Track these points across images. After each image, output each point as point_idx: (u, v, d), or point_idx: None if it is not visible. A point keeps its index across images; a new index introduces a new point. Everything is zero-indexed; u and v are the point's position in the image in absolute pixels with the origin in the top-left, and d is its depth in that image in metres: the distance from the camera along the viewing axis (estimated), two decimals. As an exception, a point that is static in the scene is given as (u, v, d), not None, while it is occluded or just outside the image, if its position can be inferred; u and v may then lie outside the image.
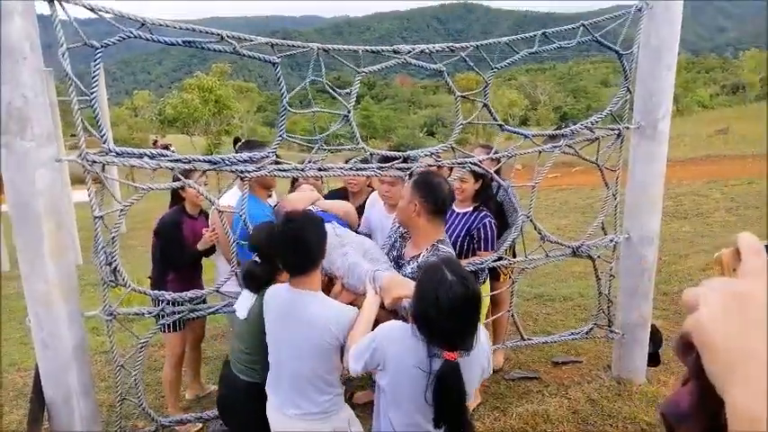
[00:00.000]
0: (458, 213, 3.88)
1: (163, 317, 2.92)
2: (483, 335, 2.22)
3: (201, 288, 3.28)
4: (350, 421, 2.55)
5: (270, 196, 3.62)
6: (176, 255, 3.59)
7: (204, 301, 3.27)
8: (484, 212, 3.74)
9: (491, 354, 2.31)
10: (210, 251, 3.71)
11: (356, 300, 2.70)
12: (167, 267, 3.65)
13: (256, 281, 2.69)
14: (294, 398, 2.43)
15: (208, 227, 3.94)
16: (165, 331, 3.58)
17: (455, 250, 3.06)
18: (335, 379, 2.47)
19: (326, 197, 3.91)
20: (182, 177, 2.81)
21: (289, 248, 2.40)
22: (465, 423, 2.09)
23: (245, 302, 2.73)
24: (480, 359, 2.18)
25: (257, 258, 2.71)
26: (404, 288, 2.44)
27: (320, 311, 2.41)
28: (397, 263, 3.00)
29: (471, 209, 3.83)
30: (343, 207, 3.52)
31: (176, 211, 3.80)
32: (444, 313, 1.96)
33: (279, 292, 2.54)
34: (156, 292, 2.81)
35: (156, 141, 32.55)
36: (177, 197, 3.81)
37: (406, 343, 2.08)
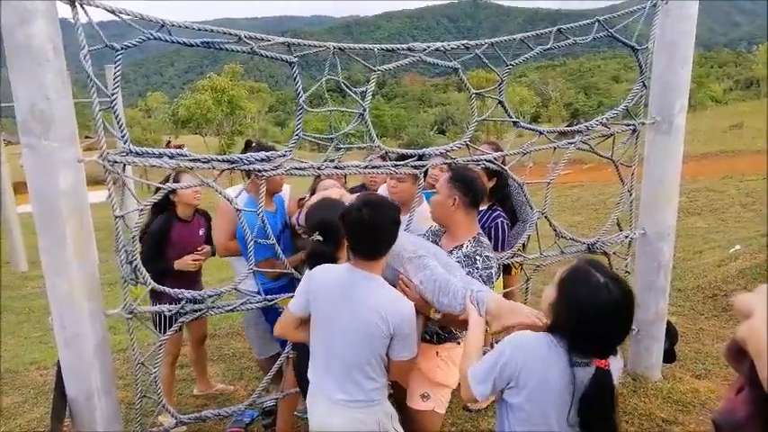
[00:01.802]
0: None
1: (183, 315, 2.94)
2: None
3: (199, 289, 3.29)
4: (392, 416, 2.50)
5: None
6: (151, 264, 3.25)
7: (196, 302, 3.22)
8: (498, 212, 3.73)
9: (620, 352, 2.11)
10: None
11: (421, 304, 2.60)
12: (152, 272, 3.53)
13: (324, 260, 2.61)
14: (344, 383, 2.37)
15: (204, 228, 3.97)
16: (161, 332, 3.53)
17: None
18: (383, 369, 2.41)
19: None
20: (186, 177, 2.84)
21: (365, 232, 2.34)
22: None
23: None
24: (617, 362, 2.04)
25: (320, 237, 2.64)
26: (518, 315, 2.28)
27: (380, 297, 2.35)
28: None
29: (485, 207, 3.79)
30: None
31: (165, 218, 3.77)
32: (604, 318, 1.86)
33: (337, 272, 2.46)
34: (176, 290, 2.84)
35: (169, 142, 32.78)
36: (159, 206, 3.57)
37: (542, 353, 1.94)
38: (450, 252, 2.86)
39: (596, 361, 1.88)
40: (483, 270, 2.80)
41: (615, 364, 1.97)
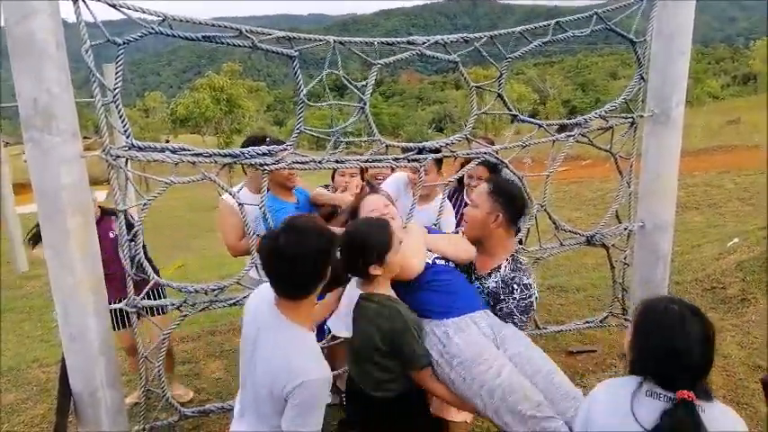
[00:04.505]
0: None
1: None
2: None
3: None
4: None
5: (293, 188, 3.65)
6: None
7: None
8: None
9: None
10: None
11: None
12: None
13: (333, 282, 2.48)
14: (258, 425, 2.15)
15: (112, 229, 3.62)
16: (116, 328, 3.44)
17: None
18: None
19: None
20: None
21: (280, 264, 2.00)
22: None
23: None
24: (720, 410, 1.76)
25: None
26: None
27: (285, 352, 2.01)
28: (469, 277, 2.89)
29: None
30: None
31: None
32: (668, 331, 1.75)
33: (263, 304, 2.18)
34: (179, 284, 2.86)
35: (167, 141, 32.75)
36: None
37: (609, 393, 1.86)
38: (489, 275, 2.79)
39: (679, 393, 1.71)
40: (521, 300, 2.70)
41: (715, 411, 1.73)
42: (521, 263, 2.79)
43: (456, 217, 3.98)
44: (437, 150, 3.34)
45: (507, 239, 2.82)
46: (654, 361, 1.78)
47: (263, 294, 2.22)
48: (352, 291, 2.65)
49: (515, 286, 2.71)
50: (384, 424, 2.63)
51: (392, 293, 2.59)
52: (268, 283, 2.14)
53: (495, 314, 2.74)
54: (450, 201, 4.13)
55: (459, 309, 2.61)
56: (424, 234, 2.86)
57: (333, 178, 3.98)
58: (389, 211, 2.92)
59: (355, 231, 2.56)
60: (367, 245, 2.48)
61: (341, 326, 2.65)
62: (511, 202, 2.75)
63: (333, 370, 3.52)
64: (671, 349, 1.73)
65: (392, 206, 2.99)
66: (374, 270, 2.49)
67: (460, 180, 4.06)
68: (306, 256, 1.97)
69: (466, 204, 3.94)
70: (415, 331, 2.50)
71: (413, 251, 2.66)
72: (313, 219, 2.23)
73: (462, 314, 2.59)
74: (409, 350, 2.47)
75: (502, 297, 2.73)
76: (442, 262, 2.78)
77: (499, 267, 2.78)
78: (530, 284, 2.72)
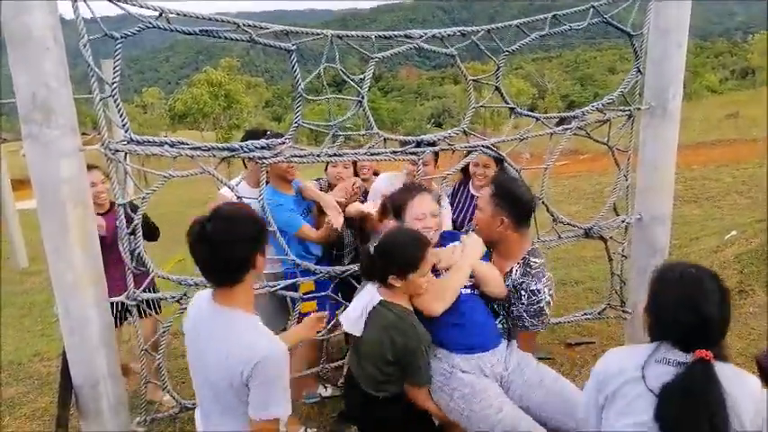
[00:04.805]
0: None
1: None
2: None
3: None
4: None
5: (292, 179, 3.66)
6: None
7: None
8: None
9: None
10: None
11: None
12: None
13: (367, 274, 2.60)
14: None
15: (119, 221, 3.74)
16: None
17: None
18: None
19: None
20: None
21: (206, 251, 1.95)
22: None
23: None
24: (734, 372, 1.77)
25: (372, 249, 2.57)
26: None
27: (234, 337, 1.97)
28: None
29: None
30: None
31: None
32: (680, 294, 1.79)
33: (200, 302, 2.16)
34: (178, 276, 2.87)
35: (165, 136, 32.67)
36: None
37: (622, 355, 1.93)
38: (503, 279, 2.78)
39: (697, 352, 1.73)
40: (529, 306, 2.72)
41: (728, 371, 1.74)
42: (531, 266, 2.76)
43: (464, 209, 4.01)
44: (435, 144, 3.35)
45: (519, 241, 2.78)
46: (672, 323, 1.80)
47: (200, 298, 2.19)
48: (368, 294, 2.64)
49: (523, 292, 2.72)
50: (382, 421, 2.66)
51: (410, 306, 2.61)
52: (197, 295, 2.18)
53: (509, 315, 2.78)
54: (457, 193, 4.18)
55: (472, 347, 2.63)
56: (477, 253, 2.76)
57: (326, 170, 4.01)
58: (433, 224, 2.82)
59: (391, 239, 2.55)
60: (395, 257, 2.49)
61: (353, 328, 2.63)
62: (515, 205, 2.70)
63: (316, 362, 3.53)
64: (690, 310, 1.75)
65: (437, 217, 2.88)
66: (394, 281, 2.50)
67: (466, 172, 4.08)
68: (232, 243, 1.93)
69: (473, 197, 3.97)
70: (425, 350, 2.54)
71: (440, 293, 2.61)
72: (243, 207, 2.15)
73: (474, 353, 2.62)
74: (415, 367, 2.53)
75: (512, 301, 2.75)
76: (468, 291, 2.73)
77: (511, 271, 2.77)
78: (538, 290, 2.71)
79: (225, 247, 1.92)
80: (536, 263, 2.79)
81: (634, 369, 1.82)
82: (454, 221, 3.86)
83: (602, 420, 1.93)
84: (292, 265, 3.21)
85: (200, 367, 2.11)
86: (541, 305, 2.72)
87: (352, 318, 2.63)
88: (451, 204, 4.18)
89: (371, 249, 2.57)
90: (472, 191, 4.03)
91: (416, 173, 3.34)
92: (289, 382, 1.99)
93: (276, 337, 2.06)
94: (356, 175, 4.04)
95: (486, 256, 2.82)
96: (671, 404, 1.71)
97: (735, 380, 1.74)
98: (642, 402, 1.77)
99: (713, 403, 1.66)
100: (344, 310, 2.87)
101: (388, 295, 2.58)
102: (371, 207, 3.41)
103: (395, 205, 2.92)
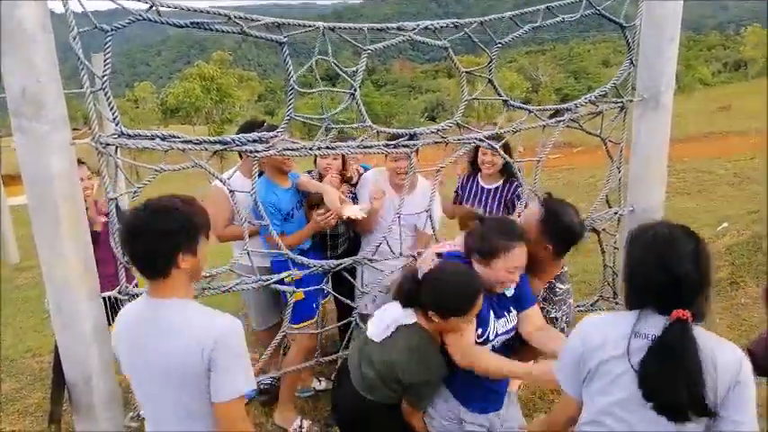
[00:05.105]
0: (488, 189, 3.99)
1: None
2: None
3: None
4: None
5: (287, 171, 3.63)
6: None
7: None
8: (516, 182, 3.81)
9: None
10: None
11: None
12: None
13: (404, 299, 2.54)
14: None
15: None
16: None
17: None
18: (208, 412, 1.91)
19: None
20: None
21: (134, 240, 1.91)
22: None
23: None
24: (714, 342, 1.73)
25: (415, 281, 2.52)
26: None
27: (183, 321, 1.90)
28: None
29: (501, 182, 3.98)
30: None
31: None
32: (653, 253, 1.73)
33: (131, 309, 2.10)
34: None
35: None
36: None
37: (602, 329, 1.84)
38: None
39: (674, 312, 1.68)
40: None
41: (706, 338, 1.70)
42: (556, 293, 2.73)
43: (472, 201, 4.01)
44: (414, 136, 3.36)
45: (551, 265, 2.71)
46: (645, 285, 1.76)
47: (126, 313, 2.12)
48: (397, 310, 2.59)
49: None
50: (364, 420, 2.67)
51: (437, 338, 2.55)
52: (125, 308, 2.15)
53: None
54: (465, 185, 4.20)
55: (485, 407, 2.63)
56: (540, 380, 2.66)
57: (315, 162, 4.00)
58: (514, 278, 2.51)
59: (446, 278, 2.44)
60: (446, 299, 2.39)
61: (376, 335, 2.60)
62: (563, 235, 2.58)
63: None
64: (662, 269, 1.71)
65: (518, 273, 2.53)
66: (433, 316, 2.44)
67: (475, 164, 4.09)
68: (154, 236, 1.87)
69: (481, 188, 3.98)
70: (438, 383, 2.55)
71: (475, 359, 2.47)
72: (176, 200, 2.00)
73: (485, 413, 2.62)
74: (422, 394, 2.54)
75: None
76: (504, 338, 2.63)
77: (537, 296, 2.73)
78: (556, 318, 2.72)
79: (142, 240, 1.89)
80: (561, 289, 2.76)
81: (616, 343, 1.78)
82: None
83: (584, 397, 1.91)
84: (283, 257, 3.19)
85: (143, 373, 2.00)
86: (559, 330, 2.72)
87: (380, 329, 2.59)
88: (460, 197, 4.20)
89: (418, 276, 2.50)
90: (481, 182, 4.07)
91: (408, 168, 3.34)
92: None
93: (225, 313, 1.97)
94: (344, 166, 4.02)
95: (526, 282, 2.66)
96: (650, 369, 1.68)
97: (714, 346, 1.70)
98: (626, 379, 1.75)
99: (691, 365, 1.63)
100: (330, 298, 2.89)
101: (422, 321, 2.52)
102: (364, 212, 3.38)
103: (488, 246, 2.50)
